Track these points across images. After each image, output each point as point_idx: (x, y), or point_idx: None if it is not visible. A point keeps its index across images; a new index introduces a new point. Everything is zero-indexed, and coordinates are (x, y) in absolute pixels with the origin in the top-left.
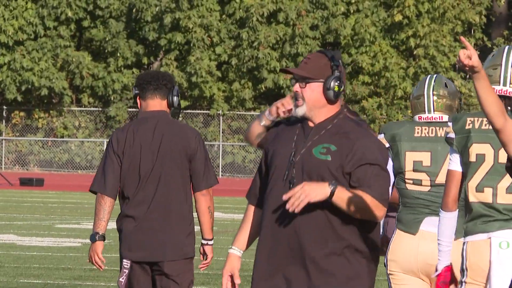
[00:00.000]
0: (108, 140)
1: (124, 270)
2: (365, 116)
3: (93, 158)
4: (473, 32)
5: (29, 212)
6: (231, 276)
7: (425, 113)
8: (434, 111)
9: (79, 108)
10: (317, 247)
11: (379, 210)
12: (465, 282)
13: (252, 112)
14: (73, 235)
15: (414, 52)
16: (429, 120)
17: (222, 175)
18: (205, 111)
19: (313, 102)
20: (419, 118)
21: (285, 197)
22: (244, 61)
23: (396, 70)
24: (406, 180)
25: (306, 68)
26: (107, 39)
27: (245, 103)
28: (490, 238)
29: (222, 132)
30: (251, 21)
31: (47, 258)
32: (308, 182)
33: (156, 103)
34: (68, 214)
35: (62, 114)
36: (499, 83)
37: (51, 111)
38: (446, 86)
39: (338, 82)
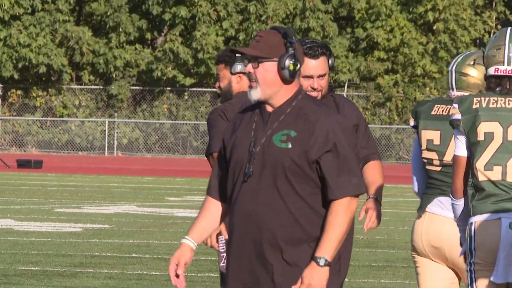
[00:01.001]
0: (110, 119)
1: (222, 255)
2: (380, 93)
3: (94, 139)
4: (495, 5)
5: (27, 196)
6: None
7: (449, 90)
8: (456, 89)
9: (79, 86)
10: (281, 240)
11: (353, 204)
12: (474, 263)
13: None
14: (73, 219)
15: (434, 27)
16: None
17: None
18: (212, 89)
19: (267, 83)
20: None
21: None
22: (252, 36)
23: (414, 46)
24: (423, 159)
25: (258, 46)
26: (108, 13)
27: None
28: (500, 218)
29: None
30: None
31: (46, 244)
32: (307, 275)
33: None
34: (68, 198)
35: (62, 93)
36: (503, 63)
37: (49, 90)
38: (473, 64)
39: (293, 60)
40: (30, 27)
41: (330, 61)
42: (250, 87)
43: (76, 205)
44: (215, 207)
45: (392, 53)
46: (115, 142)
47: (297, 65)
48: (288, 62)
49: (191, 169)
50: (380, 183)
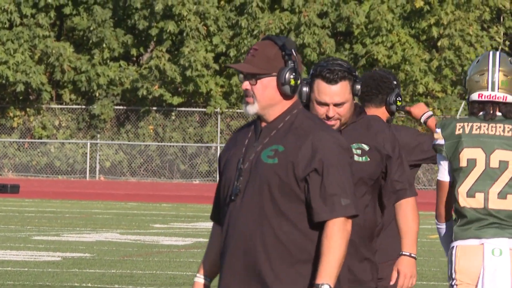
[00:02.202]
0: (92, 141)
1: None
2: None
3: (75, 162)
4: (503, 19)
5: (2, 223)
6: None
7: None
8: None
9: (60, 106)
10: (266, 264)
11: (348, 226)
12: (455, 285)
13: None
14: (52, 248)
15: (438, 44)
16: None
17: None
18: (201, 109)
19: (266, 101)
20: None
21: None
22: (243, 51)
23: (417, 63)
24: None
25: (254, 61)
26: (91, 28)
27: None
28: (482, 244)
29: (221, 133)
30: (251, 6)
31: (22, 274)
32: None
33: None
34: (46, 225)
35: (41, 113)
36: (487, 88)
37: (27, 109)
38: None
39: (294, 74)
40: (8, 43)
41: (355, 87)
42: (246, 102)
43: (55, 233)
44: (219, 235)
45: (393, 70)
46: (97, 165)
47: (298, 79)
48: (288, 77)
49: (178, 194)
50: (413, 230)
